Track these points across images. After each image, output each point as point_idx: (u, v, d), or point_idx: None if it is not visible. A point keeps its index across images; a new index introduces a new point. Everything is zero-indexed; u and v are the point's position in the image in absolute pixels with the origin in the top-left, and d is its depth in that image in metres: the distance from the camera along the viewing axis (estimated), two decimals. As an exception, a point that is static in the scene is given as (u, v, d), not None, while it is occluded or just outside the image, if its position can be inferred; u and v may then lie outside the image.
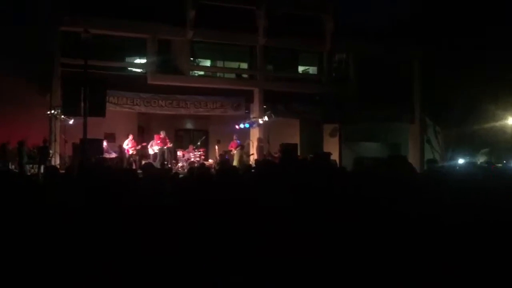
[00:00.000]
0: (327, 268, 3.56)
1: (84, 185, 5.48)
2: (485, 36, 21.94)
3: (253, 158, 20.41)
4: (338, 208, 4.29)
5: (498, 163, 16.60)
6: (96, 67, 17.32)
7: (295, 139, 22.15)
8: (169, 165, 18.92)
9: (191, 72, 21.19)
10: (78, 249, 3.59)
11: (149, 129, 22.22)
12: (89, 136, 14.50)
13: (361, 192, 4.88)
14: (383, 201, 4.31)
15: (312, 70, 24.16)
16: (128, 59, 21.35)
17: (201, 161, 19.35)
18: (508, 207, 4.15)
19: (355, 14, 23.78)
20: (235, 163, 18.73)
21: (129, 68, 21.35)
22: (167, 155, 19.81)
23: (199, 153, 20.68)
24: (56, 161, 17.83)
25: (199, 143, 21.41)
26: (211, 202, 4.18)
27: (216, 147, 21.27)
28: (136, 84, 19.62)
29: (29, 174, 16.26)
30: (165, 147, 19.79)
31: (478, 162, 15.15)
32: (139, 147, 19.96)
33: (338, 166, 16.22)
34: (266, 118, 20.49)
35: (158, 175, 6.65)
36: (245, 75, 23.01)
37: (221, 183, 5.49)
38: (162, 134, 20.01)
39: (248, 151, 21.28)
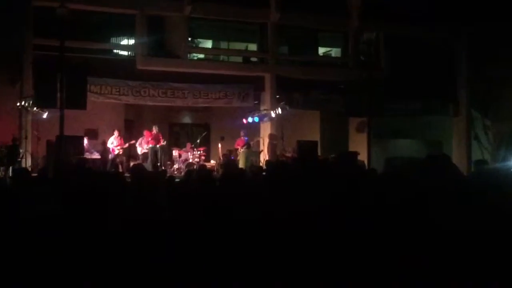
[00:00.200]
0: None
1: (59, 191, 5.46)
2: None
3: (263, 158, 20.39)
4: (368, 223, 4.25)
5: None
6: (74, 49, 17.38)
7: (315, 135, 22.11)
8: (163, 167, 18.94)
9: (189, 55, 21.19)
10: (48, 272, 3.57)
11: (139, 124, 22.26)
12: (66, 133, 14.56)
13: (393, 201, 4.84)
14: (420, 214, 4.27)
15: (335, 52, 24.09)
16: (113, 40, 21.40)
17: (201, 162, 19.36)
18: None
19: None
20: (240, 165, 18.72)
21: (115, 51, 21.40)
22: (160, 155, 19.86)
23: (199, 152, 20.69)
24: (27, 162, 17.87)
25: (198, 141, 21.41)
26: (213, 214, 4.15)
27: (219, 145, 21.28)
28: (123, 69, 19.66)
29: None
30: (157, 146, 19.84)
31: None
32: (126, 145, 20.01)
33: (366, 168, 16.17)
34: (279, 111, 20.44)
35: (150, 179, 6.62)
36: (254, 59, 22.97)
37: (225, 190, 5.45)
38: (155, 130, 20.05)
39: (257, 150, 21.26)
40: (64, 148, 14.80)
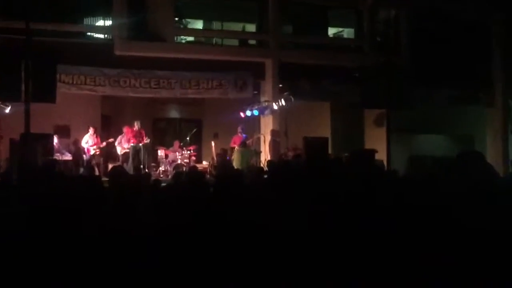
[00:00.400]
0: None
1: (25, 199, 5.47)
2: None
3: (264, 158, 20.38)
4: (387, 234, 4.27)
5: None
6: (42, 32, 17.32)
7: (325, 131, 22.09)
8: (147, 170, 18.93)
9: (176, 38, 21.17)
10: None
11: (118, 119, 22.25)
12: (33, 130, 14.48)
13: (418, 208, 4.84)
14: (450, 223, 4.29)
15: (348, 33, 24.06)
16: (87, 21, 21.37)
17: (192, 164, 19.35)
18: None
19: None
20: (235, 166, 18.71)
21: (89, 34, 21.37)
22: (143, 156, 19.84)
23: (189, 152, 20.69)
24: (-13, 165, 17.90)
25: (188, 139, 21.39)
26: (206, 225, 4.15)
27: (213, 143, 21.26)
28: (98, 55, 19.61)
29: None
30: (140, 145, 19.82)
31: None
32: (103, 144, 20.01)
33: (386, 169, 16.18)
34: (283, 102, 20.39)
35: (131, 184, 6.62)
36: (252, 41, 22.94)
37: (220, 195, 5.46)
38: (136, 126, 20.04)
39: (257, 149, 21.26)
40: (30, 148, 14.74)
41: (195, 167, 15.60)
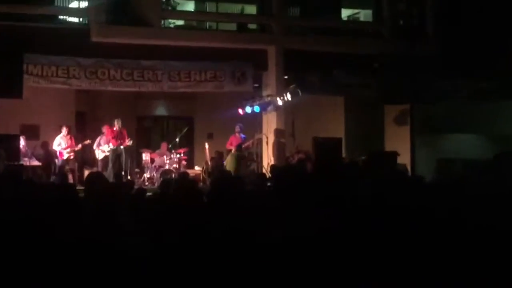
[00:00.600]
0: None
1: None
2: None
3: (267, 162, 20.37)
4: (415, 252, 4.28)
5: None
6: (5, 15, 17.31)
7: (338, 130, 22.10)
8: (129, 177, 18.92)
9: (163, 22, 21.18)
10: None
11: (95, 117, 22.25)
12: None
13: (448, 220, 4.84)
14: (486, 238, 4.30)
15: (365, 16, 24.07)
16: (58, 3, 21.36)
17: (182, 170, 19.35)
18: None
19: None
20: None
21: (61, 17, 21.36)
22: (125, 160, 19.84)
23: (178, 155, 20.69)
24: None
25: (178, 140, 21.39)
26: (200, 242, 4.15)
27: (207, 145, 21.26)
28: (72, 42, 19.59)
29: None
30: (121, 147, 19.82)
31: None
32: (78, 147, 20.00)
33: (409, 174, 16.15)
34: (288, 97, 20.40)
35: (111, 193, 6.61)
36: (253, 26, 22.94)
37: (216, 207, 5.45)
38: (117, 126, 20.02)
39: (255, 152, 21.27)
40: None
41: (186, 173, 15.60)
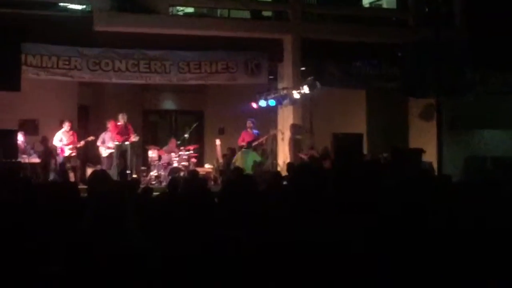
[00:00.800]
0: None
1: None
2: None
3: (282, 160, 20.35)
4: (440, 260, 4.26)
5: None
6: (3, 2, 17.33)
7: (359, 125, 22.09)
8: (135, 175, 18.94)
9: (171, 10, 21.16)
10: None
11: (99, 111, 22.28)
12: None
13: (479, 223, 4.82)
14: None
15: (388, 3, 23.98)
16: (59, -12, 21.40)
17: (192, 167, 19.36)
18: None
19: None
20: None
21: (62, 4, 21.37)
22: (131, 157, 19.86)
23: (188, 152, 20.68)
24: None
25: (187, 136, 21.39)
26: (211, 247, 4.14)
27: (218, 142, 21.26)
28: (74, 32, 19.62)
29: None
30: (126, 143, 19.83)
31: None
32: (81, 143, 20.02)
33: (436, 173, 16.09)
34: (306, 90, 20.38)
35: (116, 192, 6.61)
36: (267, 13, 22.91)
37: (229, 208, 5.44)
38: (122, 121, 20.01)
39: (269, 149, 21.23)
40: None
41: (195, 171, 15.62)
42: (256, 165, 19.37)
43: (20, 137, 18.50)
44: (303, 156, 19.33)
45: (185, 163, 20.25)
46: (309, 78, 20.34)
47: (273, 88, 21.49)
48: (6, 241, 4.38)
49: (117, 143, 19.79)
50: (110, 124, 20.13)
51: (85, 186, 7.79)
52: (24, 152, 18.78)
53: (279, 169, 19.24)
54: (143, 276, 4.16)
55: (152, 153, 20.86)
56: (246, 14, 22.51)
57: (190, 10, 22.12)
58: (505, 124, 22.98)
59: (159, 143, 21.73)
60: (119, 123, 19.95)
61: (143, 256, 4.37)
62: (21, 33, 15.63)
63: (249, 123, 20.76)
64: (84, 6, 20.80)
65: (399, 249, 4.42)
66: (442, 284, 4.22)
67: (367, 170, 8.41)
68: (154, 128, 24.24)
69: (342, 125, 20.83)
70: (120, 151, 19.78)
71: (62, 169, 18.95)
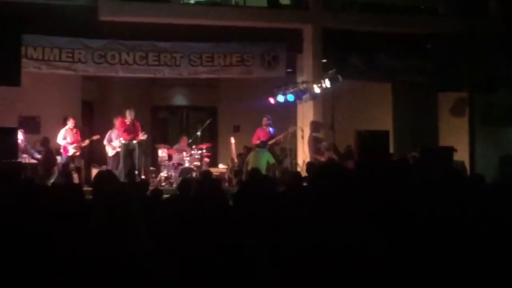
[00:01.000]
0: None
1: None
2: None
3: (302, 160, 20.35)
4: (473, 265, 4.25)
5: None
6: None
7: (385, 122, 22.06)
8: (143, 176, 18.98)
9: (181, -2, 21.21)
10: None
11: (104, 108, 22.36)
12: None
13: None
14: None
15: (415, -11, 23.96)
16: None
17: (205, 168, 19.38)
18: None
19: None
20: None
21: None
22: (139, 157, 19.89)
23: (200, 152, 20.71)
24: None
25: (199, 133, 21.43)
26: (226, 253, 4.13)
27: (232, 140, 21.30)
28: (78, 22, 19.67)
29: None
30: (134, 142, 19.86)
31: None
32: (86, 142, 20.08)
33: (468, 173, 16.06)
34: (327, 83, 20.36)
35: (124, 193, 6.62)
36: (286, 1, 22.90)
37: (245, 211, 5.44)
38: (129, 117, 20.04)
39: (285, 152, 21.21)
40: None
41: (208, 172, 15.64)
42: (270, 166, 19.38)
43: (20, 136, 18.51)
44: (319, 158, 19.29)
45: (197, 163, 20.28)
46: (330, 71, 20.32)
47: (291, 82, 21.45)
48: (6, 245, 4.39)
49: (124, 141, 19.78)
50: (116, 121, 20.15)
51: (90, 188, 7.79)
52: (25, 151, 18.83)
53: (298, 169, 19.22)
54: (150, 280, 4.16)
55: (161, 153, 20.91)
56: (263, 3, 22.48)
57: (202, -1, 22.16)
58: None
59: (169, 142, 21.80)
60: (126, 120, 19.94)
61: (152, 260, 4.38)
62: (20, 23, 15.63)
63: (265, 120, 20.66)
64: (89, -5, 20.85)
65: (423, 252, 4.42)
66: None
67: (395, 171, 8.40)
68: (164, 126, 24.33)
69: (366, 121, 20.76)
70: (127, 150, 19.75)
71: (66, 170, 18.96)
